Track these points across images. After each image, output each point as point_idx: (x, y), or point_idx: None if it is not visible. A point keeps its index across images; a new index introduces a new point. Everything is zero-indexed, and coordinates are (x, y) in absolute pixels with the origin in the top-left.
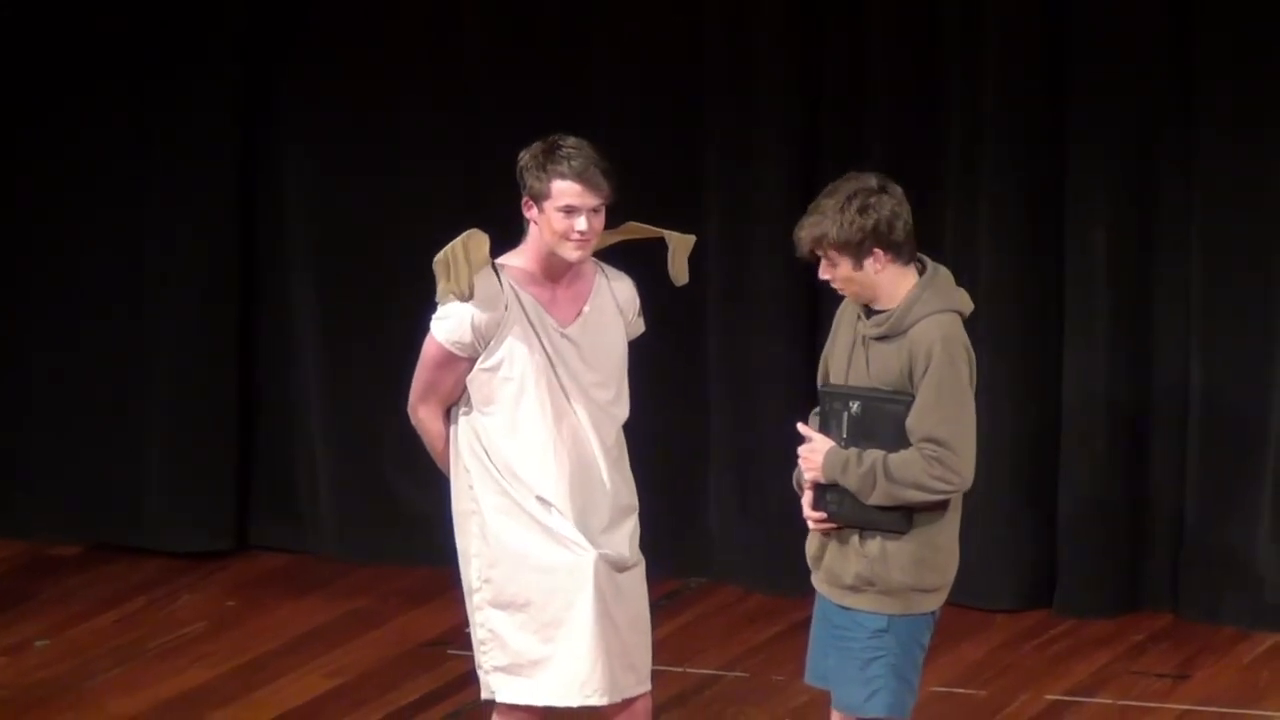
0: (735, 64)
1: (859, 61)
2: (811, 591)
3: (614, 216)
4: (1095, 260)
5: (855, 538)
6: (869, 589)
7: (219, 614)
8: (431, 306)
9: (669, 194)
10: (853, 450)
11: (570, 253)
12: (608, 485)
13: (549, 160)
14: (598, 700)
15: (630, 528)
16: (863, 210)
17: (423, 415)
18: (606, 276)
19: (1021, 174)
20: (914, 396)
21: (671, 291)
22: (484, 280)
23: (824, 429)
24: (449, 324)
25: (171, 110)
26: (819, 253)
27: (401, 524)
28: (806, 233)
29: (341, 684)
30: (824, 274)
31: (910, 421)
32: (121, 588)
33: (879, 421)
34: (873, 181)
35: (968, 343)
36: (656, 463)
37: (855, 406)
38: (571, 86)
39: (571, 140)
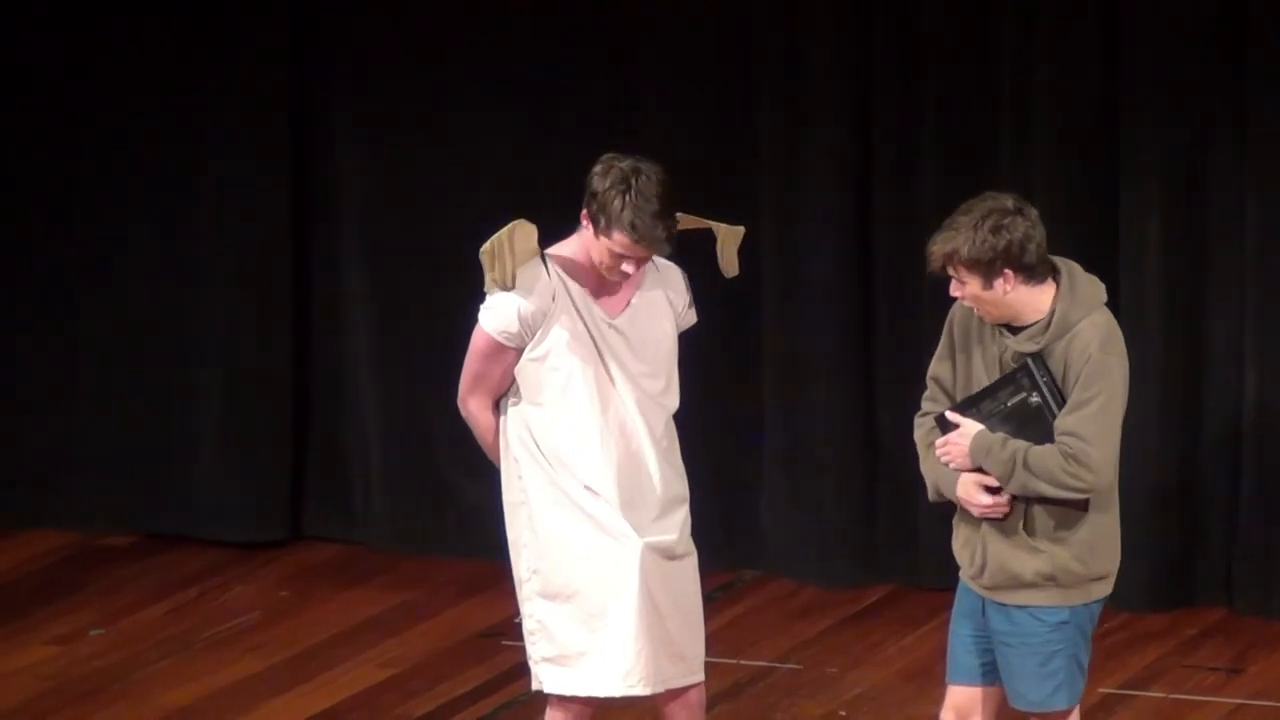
0: (786, 54)
1: (911, 54)
2: (866, 584)
3: None
4: (1148, 252)
5: (1021, 534)
6: (1049, 584)
7: (272, 604)
8: (481, 297)
9: (721, 186)
10: (999, 435)
11: (612, 276)
12: (656, 475)
13: (620, 203)
14: (641, 690)
15: (680, 518)
16: (996, 230)
17: (472, 407)
18: (657, 267)
19: (1074, 166)
20: None
21: (724, 284)
22: (531, 270)
23: (992, 388)
24: (496, 314)
25: (223, 101)
26: (949, 269)
27: (454, 515)
28: (939, 248)
29: (394, 675)
30: (954, 291)
31: (1058, 419)
32: (174, 578)
33: (1040, 422)
34: (1009, 202)
35: (1124, 346)
36: (710, 455)
37: (1035, 399)
38: (622, 77)
39: (645, 179)
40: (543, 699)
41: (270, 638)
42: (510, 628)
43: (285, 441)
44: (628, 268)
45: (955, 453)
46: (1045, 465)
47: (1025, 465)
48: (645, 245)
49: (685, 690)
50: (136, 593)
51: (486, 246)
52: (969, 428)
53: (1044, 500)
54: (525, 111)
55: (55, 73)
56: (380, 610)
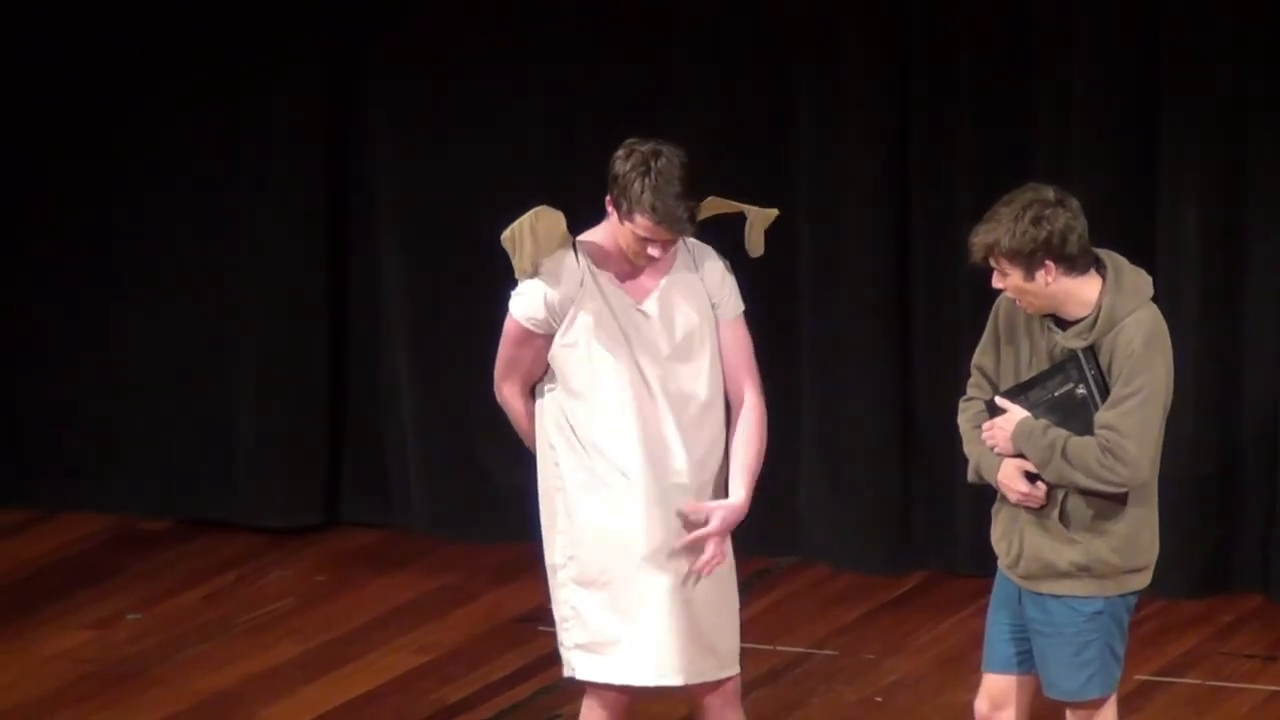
0: (822, 41)
1: (948, 43)
2: (903, 570)
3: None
4: (1186, 242)
5: (1058, 526)
6: (1083, 575)
7: (309, 589)
8: (515, 284)
9: (758, 174)
10: (1041, 422)
11: (639, 261)
12: (684, 462)
13: (640, 186)
14: (673, 680)
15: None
16: (1036, 221)
17: (506, 393)
18: (689, 249)
19: (1112, 159)
20: None
21: (762, 270)
22: (560, 257)
23: (1041, 377)
24: (524, 301)
25: (259, 93)
26: (991, 261)
27: (491, 500)
28: (980, 240)
29: (431, 660)
30: (996, 283)
31: (1099, 412)
32: (211, 563)
33: (1084, 414)
34: (1049, 194)
35: (1168, 342)
36: None
37: (1081, 390)
38: (657, 66)
39: (665, 161)
40: (579, 685)
41: (307, 623)
42: (547, 613)
43: (322, 427)
44: (653, 251)
45: (999, 436)
46: (1082, 456)
47: (1063, 454)
48: (667, 227)
49: (721, 681)
50: (174, 577)
51: (507, 233)
52: (1015, 413)
53: (1080, 491)
54: (561, 94)
55: (93, 74)
56: (417, 595)
